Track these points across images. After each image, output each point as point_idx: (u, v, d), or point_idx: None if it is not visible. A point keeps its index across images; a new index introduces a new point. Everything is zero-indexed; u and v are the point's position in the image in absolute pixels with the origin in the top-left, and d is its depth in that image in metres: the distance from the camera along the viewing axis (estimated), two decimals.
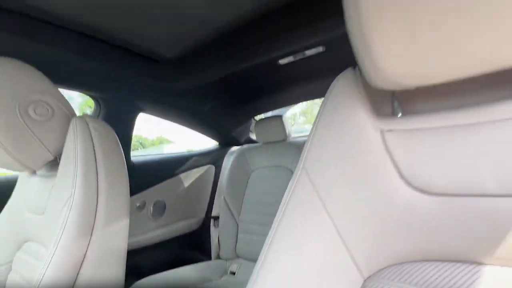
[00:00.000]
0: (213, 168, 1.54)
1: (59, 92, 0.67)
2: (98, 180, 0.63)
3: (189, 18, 0.76)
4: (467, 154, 0.31)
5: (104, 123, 0.70)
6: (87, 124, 0.64)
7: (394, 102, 0.40)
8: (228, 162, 1.47)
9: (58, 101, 0.65)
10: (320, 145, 0.42)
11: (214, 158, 1.56)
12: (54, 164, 0.69)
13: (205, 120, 1.41)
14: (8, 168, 0.67)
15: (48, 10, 0.63)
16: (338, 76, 0.44)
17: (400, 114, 0.39)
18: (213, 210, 1.48)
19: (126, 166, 0.71)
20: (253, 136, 1.71)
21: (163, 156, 1.44)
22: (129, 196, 0.70)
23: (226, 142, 1.65)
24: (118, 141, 0.71)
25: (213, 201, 1.50)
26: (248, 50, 0.86)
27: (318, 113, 0.44)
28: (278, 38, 0.80)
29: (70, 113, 0.68)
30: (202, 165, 1.50)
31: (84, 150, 0.62)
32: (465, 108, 0.33)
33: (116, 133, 0.72)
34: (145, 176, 1.24)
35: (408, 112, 0.40)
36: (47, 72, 0.67)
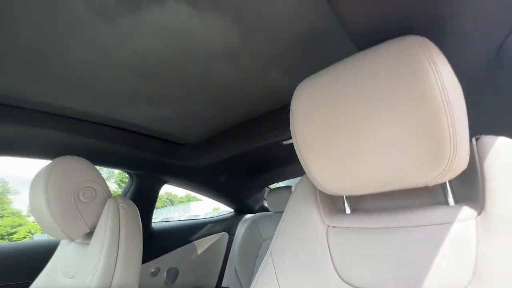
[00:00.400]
0: (226, 235, 1.60)
1: (102, 178, 0.88)
2: (118, 251, 0.76)
3: (217, 114, 0.96)
4: (378, 254, 0.39)
5: (131, 202, 0.87)
6: (118, 204, 0.82)
7: (344, 201, 0.49)
8: (240, 230, 1.52)
9: (101, 186, 0.85)
10: (283, 236, 0.51)
11: (228, 225, 1.63)
12: (89, 234, 0.85)
13: (221, 189, 1.54)
14: (53, 235, 0.84)
15: (95, 113, 0.85)
16: (298, 181, 0.56)
17: (349, 211, 0.48)
18: (223, 281, 1.48)
19: (142, 239, 0.84)
20: (266, 204, 1.79)
21: (180, 222, 1.55)
22: (140, 265, 0.82)
23: (241, 210, 1.74)
24: (139, 218, 0.87)
25: (225, 270, 1.52)
26: (260, 135, 1.05)
27: (285, 210, 0.55)
28: (283, 126, 0.98)
29: (107, 194, 0.86)
30: (217, 232, 1.58)
31: (112, 226, 0.78)
32: (388, 212, 0.42)
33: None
34: (162, 242, 1.35)
35: (356, 209, 0.49)
36: (92, 157, 0.88)
